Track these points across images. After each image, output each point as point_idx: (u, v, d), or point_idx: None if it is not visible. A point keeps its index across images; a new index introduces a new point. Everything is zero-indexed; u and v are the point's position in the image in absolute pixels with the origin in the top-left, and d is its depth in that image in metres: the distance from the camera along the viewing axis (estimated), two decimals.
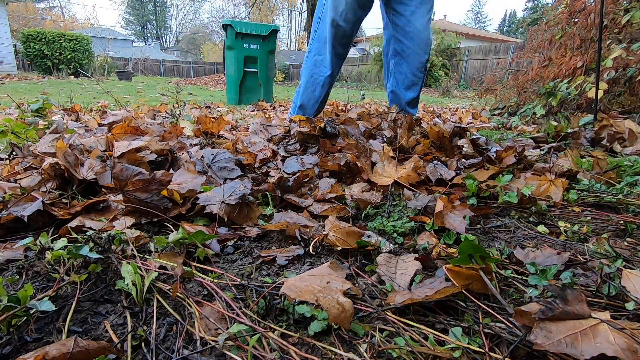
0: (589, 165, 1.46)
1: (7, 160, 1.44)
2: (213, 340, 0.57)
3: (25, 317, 0.60)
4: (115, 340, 0.58)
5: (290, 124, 2.03)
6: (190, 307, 0.65)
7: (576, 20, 2.80)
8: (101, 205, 1.05)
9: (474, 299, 0.67)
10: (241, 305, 0.66)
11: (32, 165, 1.33)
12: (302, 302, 0.63)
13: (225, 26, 5.48)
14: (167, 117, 2.59)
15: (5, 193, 1.07)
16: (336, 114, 2.28)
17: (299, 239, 0.92)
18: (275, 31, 5.66)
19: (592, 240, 0.94)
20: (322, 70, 2.41)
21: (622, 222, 1.04)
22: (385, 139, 1.71)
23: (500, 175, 1.31)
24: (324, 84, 2.42)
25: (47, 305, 0.60)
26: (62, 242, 0.77)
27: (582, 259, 0.84)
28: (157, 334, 0.60)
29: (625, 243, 0.92)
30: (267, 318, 0.63)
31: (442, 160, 1.51)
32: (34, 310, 0.59)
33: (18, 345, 0.56)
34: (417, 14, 2.20)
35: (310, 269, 0.79)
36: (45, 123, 1.95)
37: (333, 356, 0.55)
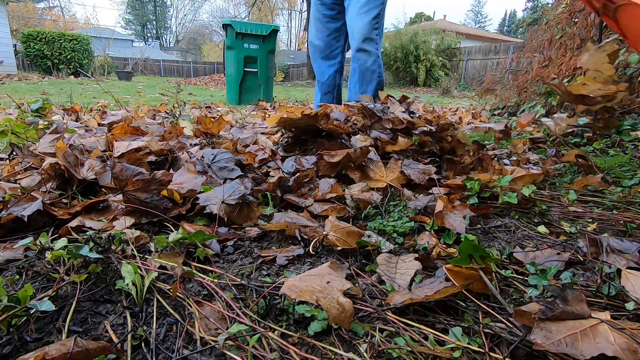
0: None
1: (7, 160, 1.44)
2: (213, 340, 0.57)
3: (25, 317, 0.60)
4: (115, 340, 0.58)
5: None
6: (190, 307, 0.65)
7: (576, 20, 2.80)
8: (101, 205, 1.05)
9: (474, 299, 0.67)
10: (241, 305, 0.66)
11: (32, 165, 1.33)
12: (302, 302, 0.63)
13: (225, 26, 5.48)
14: (167, 117, 2.59)
15: (5, 193, 1.07)
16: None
17: (299, 239, 0.92)
18: (275, 31, 5.66)
19: None
20: (319, 78, 2.79)
21: (622, 222, 1.04)
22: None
23: (501, 176, 1.32)
24: (319, 91, 2.83)
25: (47, 305, 0.60)
26: (62, 242, 0.77)
27: (582, 259, 0.84)
28: (157, 334, 0.60)
29: None
30: (267, 318, 0.63)
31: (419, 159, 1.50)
32: (34, 310, 0.59)
33: (18, 345, 0.56)
34: (351, 4, 2.40)
35: (310, 269, 0.79)
36: (45, 123, 1.95)
37: (333, 356, 0.55)
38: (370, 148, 1.40)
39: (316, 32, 2.63)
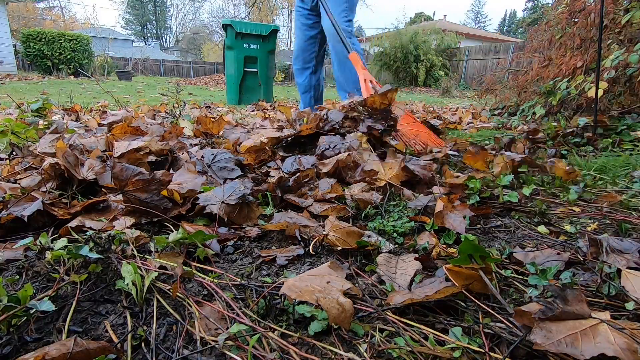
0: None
1: (7, 160, 1.44)
2: (213, 340, 0.57)
3: (25, 317, 0.60)
4: (115, 340, 0.58)
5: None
6: (190, 307, 0.65)
7: (576, 20, 2.80)
8: (101, 205, 1.05)
9: (474, 299, 0.67)
10: (241, 305, 0.66)
11: (32, 165, 1.33)
12: (302, 302, 0.63)
13: (225, 26, 5.48)
14: (167, 117, 2.59)
15: (5, 193, 1.07)
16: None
17: (299, 239, 0.92)
18: (275, 31, 5.66)
19: None
20: (297, 79, 3.23)
21: (619, 221, 1.04)
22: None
23: (501, 175, 1.31)
24: (299, 90, 3.24)
25: (47, 305, 0.60)
26: (62, 242, 0.77)
27: (582, 259, 0.84)
28: (157, 334, 0.60)
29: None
30: (267, 318, 0.63)
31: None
32: (34, 310, 0.59)
33: (18, 345, 0.56)
34: (322, 7, 2.73)
35: (310, 269, 0.79)
36: (45, 123, 1.95)
37: (333, 356, 0.55)
38: (365, 145, 1.40)
39: (296, 37, 3.14)
